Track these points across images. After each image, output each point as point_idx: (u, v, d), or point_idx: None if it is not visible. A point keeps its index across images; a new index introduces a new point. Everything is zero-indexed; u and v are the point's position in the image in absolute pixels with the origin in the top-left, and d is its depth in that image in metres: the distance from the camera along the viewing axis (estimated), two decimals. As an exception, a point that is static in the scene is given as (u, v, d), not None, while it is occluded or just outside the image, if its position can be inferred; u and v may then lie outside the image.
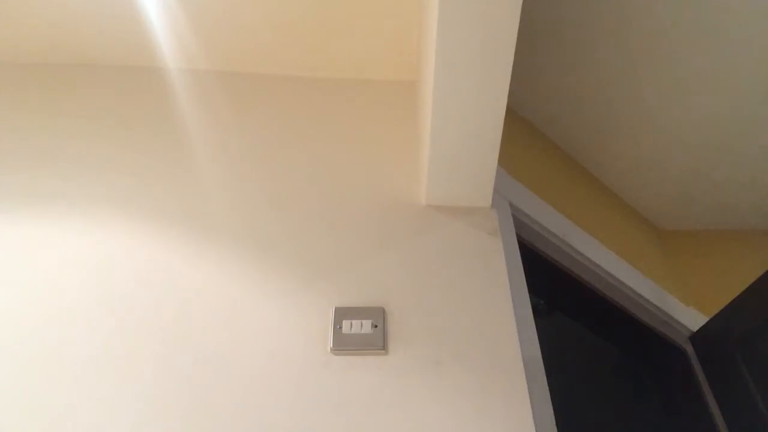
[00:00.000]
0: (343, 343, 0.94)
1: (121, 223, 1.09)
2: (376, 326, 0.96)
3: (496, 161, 1.08)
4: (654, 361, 1.72)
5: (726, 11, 1.40)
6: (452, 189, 1.15)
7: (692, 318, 1.71)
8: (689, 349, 1.63)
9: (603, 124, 1.74)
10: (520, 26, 0.89)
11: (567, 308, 1.72)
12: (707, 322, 1.62)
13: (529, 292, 1.12)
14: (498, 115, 1.01)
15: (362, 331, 0.95)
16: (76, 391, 0.87)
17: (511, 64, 0.93)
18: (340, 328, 0.96)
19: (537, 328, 1.07)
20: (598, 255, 1.50)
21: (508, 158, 1.39)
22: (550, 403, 0.97)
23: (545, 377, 1.00)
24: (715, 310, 1.58)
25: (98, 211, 1.11)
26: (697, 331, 1.64)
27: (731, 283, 1.63)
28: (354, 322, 0.96)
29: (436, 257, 1.09)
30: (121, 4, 1.27)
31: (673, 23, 1.44)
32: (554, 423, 0.94)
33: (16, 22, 1.31)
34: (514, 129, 1.62)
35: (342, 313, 0.98)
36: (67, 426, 0.83)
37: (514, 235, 1.22)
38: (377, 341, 0.95)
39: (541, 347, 1.04)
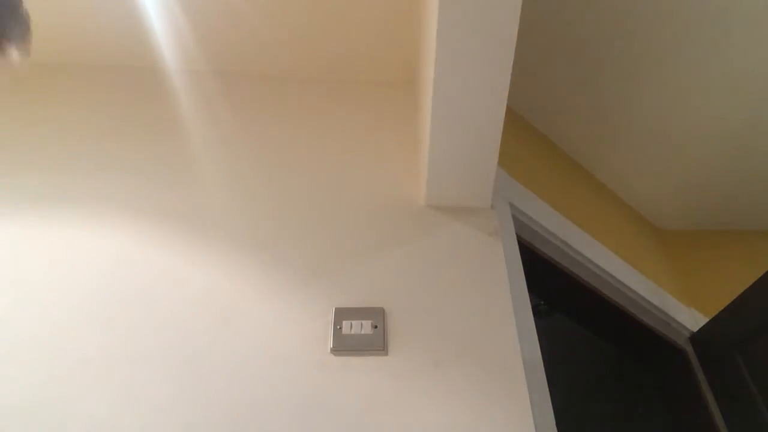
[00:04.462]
0: (343, 344, 0.94)
1: (122, 223, 1.09)
2: (376, 327, 0.96)
3: (496, 161, 1.08)
4: (654, 361, 1.72)
5: (730, 15, 1.39)
6: (452, 189, 1.14)
7: (692, 318, 1.71)
8: (689, 349, 1.63)
9: (603, 125, 1.74)
10: (520, 26, 0.88)
11: (567, 308, 1.71)
12: (707, 323, 1.62)
13: (529, 292, 1.12)
14: (498, 115, 1.01)
15: (362, 332, 0.95)
16: (76, 390, 0.86)
17: (511, 64, 0.93)
18: (340, 328, 0.96)
19: (537, 328, 1.07)
20: (598, 255, 1.50)
21: (508, 158, 1.39)
22: (550, 403, 0.97)
23: (545, 377, 1.00)
24: (715, 311, 1.58)
25: (99, 211, 1.11)
26: (697, 331, 1.64)
27: (731, 283, 1.63)
28: (354, 322, 0.96)
29: (436, 258, 1.08)
30: (122, 4, 1.26)
31: (676, 25, 1.44)
32: (554, 423, 0.94)
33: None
34: (514, 129, 1.62)
35: (342, 314, 0.97)
36: (66, 426, 0.83)
37: (514, 235, 1.22)
38: (377, 342, 0.94)
39: (541, 347, 1.04)
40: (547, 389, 0.98)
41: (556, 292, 1.57)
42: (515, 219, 1.27)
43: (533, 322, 1.08)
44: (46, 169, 1.17)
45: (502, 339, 0.98)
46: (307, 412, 0.86)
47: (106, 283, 1.00)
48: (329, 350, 0.94)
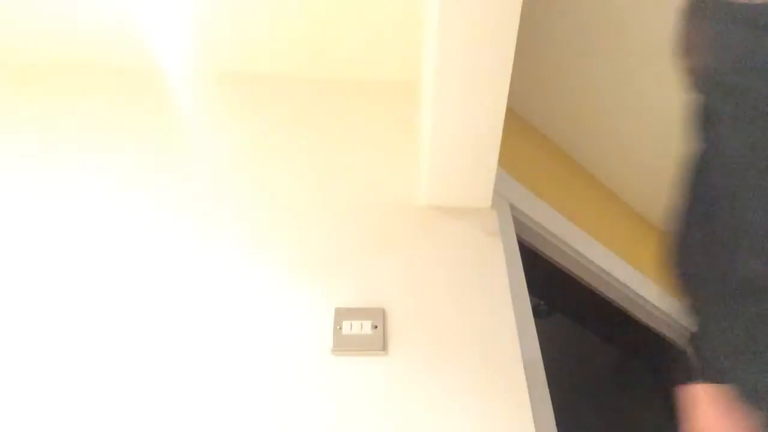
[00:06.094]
0: (343, 344, 0.94)
1: (121, 224, 1.09)
2: (376, 327, 0.96)
3: (496, 161, 1.08)
4: (654, 361, 1.72)
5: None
6: (452, 189, 1.14)
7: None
8: (689, 349, 1.63)
9: (603, 125, 1.74)
10: (520, 26, 0.88)
11: (567, 309, 1.71)
12: (707, 323, 1.61)
13: (529, 292, 1.12)
14: (498, 115, 1.01)
15: (362, 332, 0.95)
16: (76, 387, 0.87)
17: (511, 64, 0.93)
18: (340, 328, 0.96)
19: (537, 329, 1.07)
20: (598, 255, 1.50)
21: (508, 158, 1.39)
22: (550, 403, 0.97)
23: (545, 378, 1.00)
24: (715, 311, 1.57)
25: (97, 212, 1.11)
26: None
27: (731, 283, 1.62)
28: (354, 322, 0.96)
29: (436, 258, 1.08)
30: (120, 3, 1.26)
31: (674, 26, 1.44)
32: (554, 423, 0.94)
33: (15, 22, 1.31)
34: (514, 129, 1.62)
35: (342, 314, 0.97)
36: (67, 422, 0.83)
37: (514, 235, 1.22)
38: (377, 342, 0.94)
39: (541, 348, 1.04)
40: (547, 389, 0.98)
41: (556, 292, 1.57)
42: (515, 219, 1.27)
43: (533, 322, 1.08)
44: (47, 169, 1.17)
45: (502, 339, 0.98)
46: (307, 412, 0.86)
47: (105, 285, 1.00)
48: (329, 350, 0.94)
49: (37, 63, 1.38)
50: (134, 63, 1.40)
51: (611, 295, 1.54)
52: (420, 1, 1.23)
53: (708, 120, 0.56)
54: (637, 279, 1.62)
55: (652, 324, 1.63)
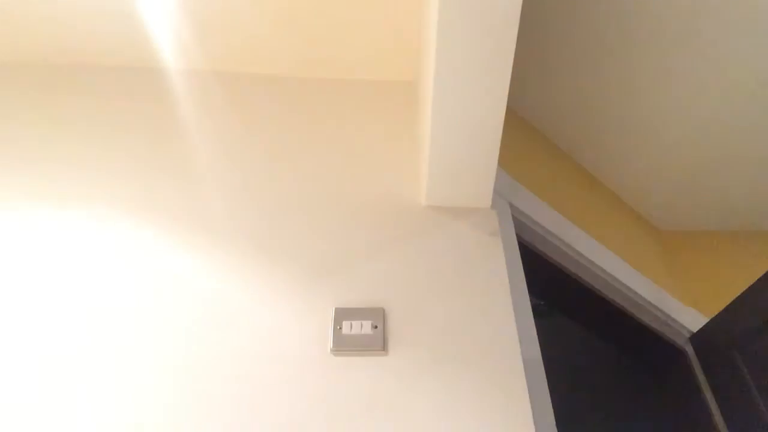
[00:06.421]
0: (343, 344, 0.94)
1: (120, 224, 1.09)
2: (376, 327, 0.96)
3: (496, 161, 1.08)
4: (654, 361, 1.72)
5: (727, 21, 1.40)
6: (452, 189, 1.14)
7: (692, 318, 1.71)
8: (689, 349, 1.63)
9: (603, 125, 1.74)
10: (520, 27, 0.88)
11: (567, 309, 1.71)
12: (707, 323, 1.62)
13: (529, 292, 1.12)
14: (498, 115, 1.01)
15: (362, 332, 0.95)
16: (76, 390, 0.87)
17: (511, 64, 0.93)
18: (340, 328, 0.96)
19: (537, 328, 1.07)
20: (598, 255, 1.50)
21: (508, 158, 1.39)
22: (550, 403, 0.97)
23: (545, 377, 1.00)
24: (715, 310, 1.58)
25: (97, 212, 1.11)
26: (697, 331, 1.64)
27: (731, 283, 1.63)
28: (354, 322, 0.96)
29: (436, 258, 1.08)
30: (120, 4, 1.26)
31: (675, 28, 1.44)
32: (554, 423, 0.94)
33: (15, 22, 1.31)
34: (514, 129, 1.62)
35: (342, 314, 0.97)
36: (68, 425, 0.83)
37: (514, 235, 1.22)
38: (377, 342, 0.95)
39: (541, 347, 1.04)
40: (547, 389, 0.98)
41: (556, 292, 1.57)
42: (515, 219, 1.27)
43: (533, 322, 1.08)
44: (47, 169, 1.17)
45: (502, 339, 0.98)
46: (307, 412, 0.86)
47: (104, 285, 1.00)
48: (329, 350, 0.94)
49: (37, 63, 1.38)
50: (134, 63, 1.40)
51: (611, 295, 1.54)
52: (420, 1, 1.23)
53: None
54: (638, 279, 1.62)
55: (651, 324, 1.63)
